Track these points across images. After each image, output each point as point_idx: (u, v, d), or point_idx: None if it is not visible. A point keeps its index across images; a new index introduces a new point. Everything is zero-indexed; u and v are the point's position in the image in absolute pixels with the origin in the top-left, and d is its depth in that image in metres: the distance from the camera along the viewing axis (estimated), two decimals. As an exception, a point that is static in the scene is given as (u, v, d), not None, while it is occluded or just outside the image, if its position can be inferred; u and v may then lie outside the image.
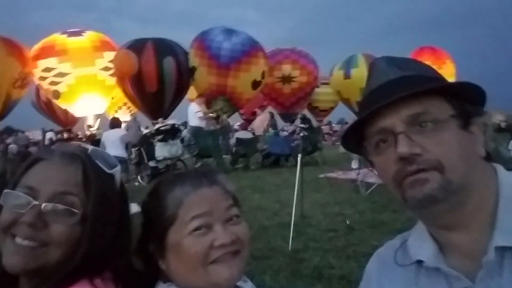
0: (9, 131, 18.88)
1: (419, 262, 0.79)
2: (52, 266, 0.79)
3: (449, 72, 17.04)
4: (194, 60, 12.75)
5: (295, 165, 4.59)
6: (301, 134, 4.71)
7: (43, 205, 0.78)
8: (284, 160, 11.13)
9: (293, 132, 14.34)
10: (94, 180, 0.83)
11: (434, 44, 17.62)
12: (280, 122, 17.91)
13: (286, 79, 15.51)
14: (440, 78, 0.80)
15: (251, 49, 12.95)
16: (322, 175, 8.02)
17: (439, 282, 0.76)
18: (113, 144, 8.59)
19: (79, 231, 0.80)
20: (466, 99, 0.76)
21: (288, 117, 16.94)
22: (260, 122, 12.83)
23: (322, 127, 21.87)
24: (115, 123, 9.88)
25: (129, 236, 0.91)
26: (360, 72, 16.00)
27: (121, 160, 7.98)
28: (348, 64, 16.45)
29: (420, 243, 0.80)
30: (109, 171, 0.88)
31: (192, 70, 12.78)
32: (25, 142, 18.33)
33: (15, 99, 12.48)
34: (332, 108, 19.61)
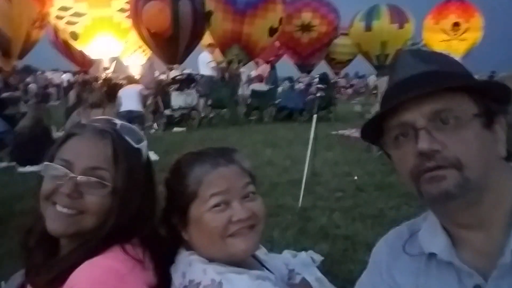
0: (28, 70, 19.02)
1: (431, 254, 0.81)
2: (87, 232, 0.89)
3: (477, 26, 16.18)
4: (209, 4, 12.35)
5: (309, 120, 4.55)
6: (318, 94, 4.66)
7: (78, 177, 0.87)
8: (297, 114, 11.10)
9: (309, 85, 14.12)
10: (122, 155, 0.91)
11: None
12: (296, 73, 17.60)
13: (305, 28, 14.84)
14: (465, 74, 0.79)
15: (268, -6, 12.43)
16: (334, 132, 8.07)
17: (449, 276, 0.77)
18: (130, 98, 8.59)
19: (109, 202, 0.90)
20: (491, 97, 0.75)
21: (305, 68, 16.55)
22: (261, 72, 12.53)
23: (338, 80, 21.43)
24: (134, 81, 9.81)
25: (155, 206, 1.00)
26: (382, 24, 15.34)
27: (138, 114, 8.11)
28: (370, 15, 15.70)
29: (432, 236, 0.81)
30: (136, 146, 0.96)
31: (208, 14, 12.41)
32: (44, 83, 18.52)
33: (34, 40, 12.38)
34: (350, 61, 19.02)
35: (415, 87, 0.73)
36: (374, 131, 0.83)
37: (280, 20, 12.89)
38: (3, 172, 5.21)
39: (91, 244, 0.88)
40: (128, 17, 12.24)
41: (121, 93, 8.83)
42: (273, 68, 13.01)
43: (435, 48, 16.64)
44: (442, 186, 0.71)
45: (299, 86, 15.33)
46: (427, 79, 0.74)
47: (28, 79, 19.07)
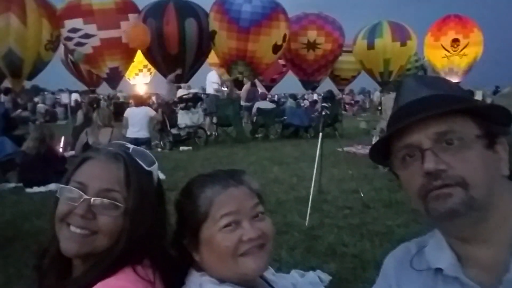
0: (36, 90, 19.38)
1: (437, 270, 0.83)
2: (100, 253, 0.91)
3: (476, 41, 16.33)
4: (213, 24, 12.57)
5: (315, 137, 4.59)
6: (323, 113, 4.69)
7: (92, 199, 0.90)
8: (303, 131, 11.14)
9: (315, 102, 14.18)
10: (134, 177, 0.94)
11: (461, 11, 16.78)
12: (301, 90, 17.71)
13: (311, 45, 15.05)
14: (467, 98, 0.83)
15: (271, 11, 12.61)
16: (340, 149, 8.06)
17: None
18: (138, 123, 8.56)
19: (121, 223, 0.92)
20: (492, 119, 0.79)
21: (310, 85, 16.69)
22: (244, 92, 12.61)
23: (344, 96, 21.53)
24: (141, 101, 9.91)
25: (165, 227, 1.02)
26: (384, 42, 15.47)
27: (145, 141, 8.14)
28: (372, 33, 15.88)
29: (438, 252, 0.84)
30: (148, 168, 0.99)
31: (212, 34, 12.64)
32: (52, 102, 18.81)
33: (45, 61, 12.64)
34: (354, 77, 19.19)
35: (420, 110, 0.77)
36: (381, 152, 0.87)
37: (284, 37, 13.09)
38: (11, 192, 5.25)
39: (103, 265, 0.90)
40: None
41: (128, 113, 8.88)
42: (253, 85, 13.06)
43: (437, 64, 16.73)
44: (448, 204, 0.74)
45: (305, 103, 15.43)
46: (431, 102, 0.78)
47: (36, 99, 19.41)
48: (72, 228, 0.90)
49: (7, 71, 11.72)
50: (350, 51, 16.57)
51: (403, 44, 15.57)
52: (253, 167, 6.38)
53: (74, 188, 0.91)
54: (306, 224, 3.75)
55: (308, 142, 8.93)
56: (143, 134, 8.47)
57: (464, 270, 0.79)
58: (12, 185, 5.59)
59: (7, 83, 12.97)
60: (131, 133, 8.26)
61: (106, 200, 0.90)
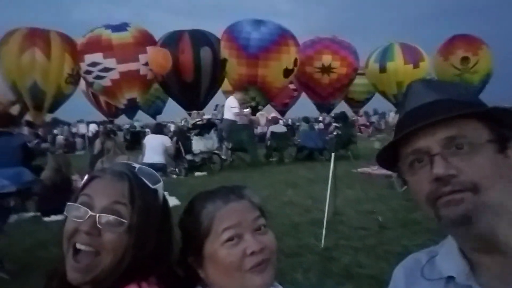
0: (56, 122, 19.96)
1: (449, 278, 0.80)
2: (105, 271, 0.92)
3: (486, 57, 16.12)
4: (223, 52, 12.85)
5: (329, 159, 4.58)
6: (335, 133, 4.69)
7: (97, 215, 0.92)
8: (318, 154, 11.08)
9: (329, 124, 14.15)
10: (138, 194, 0.95)
11: (471, 30, 16.68)
12: (315, 113, 17.73)
13: (326, 70, 15.12)
14: (476, 102, 0.81)
15: (280, 37, 12.81)
16: (355, 170, 7.99)
17: None
18: (154, 150, 8.76)
19: (126, 239, 0.93)
20: (503, 123, 0.77)
21: (325, 108, 16.70)
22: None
23: (358, 117, 21.43)
24: (158, 129, 10.10)
25: (171, 244, 1.03)
26: (396, 65, 15.43)
27: (161, 167, 8.26)
28: (383, 56, 15.88)
29: (450, 260, 0.82)
30: (152, 187, 1.01)
31: (223, 62, 12.89)
32: (69, 135, 19.32)
33: (66, 94, 12.99)
34: (368, 99, 19.14)
35: (428, 114, 0.76)
36: (389, 157, 0.85)
37: (295, 61, 13.25)
38: (30, 221, 5.34)
39: (108, 282, 0.91)
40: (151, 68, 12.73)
41: (146, 141, 9.07)
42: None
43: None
44: (460, 209, 0.72)
45: (320, 125, 15.41)
46: (439, 106, 0.77)
47: (55, 131, 19.95)
48: (78, 246, 0.92)
49: (30, 104, 12.11)
50: (363, 74, 16.59)
51: (416, 66, 15.50)
52: (267, 191, 6.36)
53: (80, 206, 0.94)
54: (322, 246, 3.69)
55: (322, 164, 8.86)
56: (159, 160, 8.60)
57: (476, 278, 0.77)
58: (31, 214, 5.69)
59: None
60: (148, 159, 8.40)
61: (111, 217, 0.92)
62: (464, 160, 0.73)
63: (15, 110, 11.65)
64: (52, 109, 13.07)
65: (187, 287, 1.00)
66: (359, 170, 7.71)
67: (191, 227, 0.99)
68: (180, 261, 1.01)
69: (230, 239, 0.93)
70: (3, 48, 11.90)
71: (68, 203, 0.97)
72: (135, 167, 1.03)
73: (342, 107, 17.65)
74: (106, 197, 0.94)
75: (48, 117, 15.92)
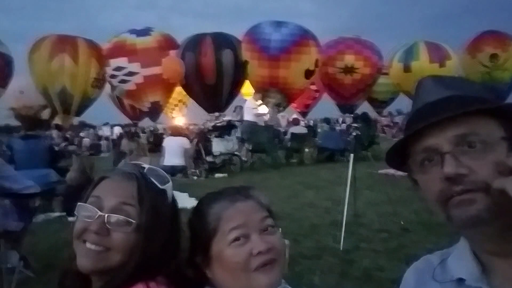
0: (82, 126, 20.58)
1: (460, 280, 0.78)
2: (114, 269, 0.93)
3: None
4: (245, 54, 12.89)
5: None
6: (354, 134, 4.62)
7: (106, 215, 0.93)
8: (339, 155, 10.96)
9: (351, 125, 13.98)
10: (146, 194, 0.96)
11: (498, 27, 15.95)
12: (336, 114, 17.52)
13: (348, 70, 14.89)
14: (488, 98, 0.78)
15: (300, 38, 12.71)
16: (378, 171, 7.84)
17: None
18: (173, 152, 8.86)
19: (134, 239, 0.94)
20: None
21: (347, 109, 16.47)
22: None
23: (382, 118, 21.03)
24: (177, 132, 10.20)
25: (179, 244, 1.03)
26: (421, 64, 14.99)
27: (181, 169, 8.35)
28: (408, 55, 15.48)
29: (461, 262, 0.80)
30: (161, 187, 1.02)
31: (244, 64, 12.94)
32: (94, 137, 19.89)
33: (92, 98, 13.37)
34: (392, 99, 18.72)
35: (438, 111, 0.73)
36: (399, 156, 0.83)
37: (316, 62, 13.15)
38: (55, 221, 5.50)
39: (116, 281, 0.92)
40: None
41: (165, 143, 9.18)
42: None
43: (477, 81, 15.93)
44: (472, 210, 0.69)
45: (342, 126, 15.21)
46: (450, 103, 0.75)
47: (82, 134, 20.56)
48: (88, 245, 0.93)
49: (60, 108, 12.54)
50: (387, 73, 16.25)
51: (442, 65, 15.04)
52: (287, 192, 6.33)
53: (90, 206, 0.96)
54: (341, 248, 3.64)
55: (343, 166, 8.70)
56: (178, 162, 8.70)
57: (488, 281, 0.75)
58: (57, 214, 5.87)
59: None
60: (168, 161, 8.51)
61: (119, 217, 0.94)
62: (476, 158, 0.70)
63: (46, 114, 12.17)
64: (79, 113, 13.47)
65: (195, 287, 1.00)
66: (381, 171, 7.56)
67: (198, 227, 0.99)
68: (188, 261, 1.02)
69: (236, 239, 0.93)
70: (34, 54, 12.39)
71: (79, 203, 0.99)
72: (144, 168, 1.04)
73: (365, 108, 17.38)
74: (115, 197, 0.96)
75: (75, 121, 16.44)
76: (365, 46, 15.24)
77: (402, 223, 4.34)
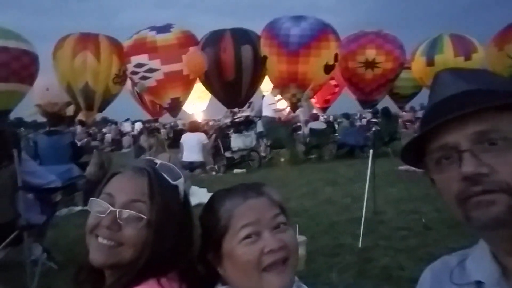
0: (105, 121, 21.03)
1: (478, 283, 0.76)
2: (126, 264, 0.94)
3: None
4: (263, 50, 12.86)
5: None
6: (373, 129, 4.54)
7: (118, 211, 0.93)
8: (359, 151, 10.81)
9: (371, 120, 13.78)
10: (158, 190, 0.96)
11: None
12: (355, 109, 17.28)
13: (370, 65, 14.61)
14: (511, 92, 0.73)
15: (320, 33, 12.54)
16: (399, 168, 7.70)
17: None
18: (191, 148, 8.96)
19: (146, 234, 0.94)
20: None
21: (368, 104, 16.22)
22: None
23: (404, 113, 20.63)
24: (195, 127, 10.28)
25: (192, 240, 1.03)
26: (446, 58, 14.58)
27: (199, 165, 8.41)
28: (432, 49, 15.07)
29: (480, 264, 0.77)
30: (173, 183, 1.01)
31: (264, 59, 12.91)
32: (116, 133, 20.30)
33: (114, 94, 13.67)
34: (414, 94, 18.32)
35: (456, 107, 0.69)
36: (415, 154, 0.79)
37: (336, 57, 13.01)
38: (77, 215, 5.63)
39: (128, 276, 0.92)
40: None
41: (183, 139, 9.28)
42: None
43: (504, 75, 15.40)
44: (492, 212, 0.66)
45: (362, 121, 14.99)
46: (469, 98, 0.70)
47: (104, 130, 21.01)
48: (100, 240, 0.94)
49: (83, 104, 12.88)
50: (409, 68, 15.89)
51: (468, 58, 14.57)
52: (305, 188, 6.29)
53: (102, 201, 0.96)
54: (359, 246, 3.59)
55: (363, 162, 8.61)
56: (197, 158, 8.78)
57: (508, 283, 0.71)
58: (79, 208, 6.01)
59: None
60: (186, 157, 8.60)
61: (131, 212, 0.94)
62: (497, 157, 0.66)
63: (70, 110, 12.50)
64: (101, 108, 13.77)
65: (207, 284, 0.99)
66: (402, 167, 7.43)
67: (210, 224, 0.98)
68: (200, 258, 1.01)
69: (248, 237, 0.91)
70: (58, 52, 12.72)
71: (91, 198, 1.00)
72: (156, 163, 1.04)
73: (387, 103, 17.06)
74: (126, 193, 0.96)
75: (98, 116, 16.80)
76: (387, 40, 14.91)
77: (423, 221, 4.24)
